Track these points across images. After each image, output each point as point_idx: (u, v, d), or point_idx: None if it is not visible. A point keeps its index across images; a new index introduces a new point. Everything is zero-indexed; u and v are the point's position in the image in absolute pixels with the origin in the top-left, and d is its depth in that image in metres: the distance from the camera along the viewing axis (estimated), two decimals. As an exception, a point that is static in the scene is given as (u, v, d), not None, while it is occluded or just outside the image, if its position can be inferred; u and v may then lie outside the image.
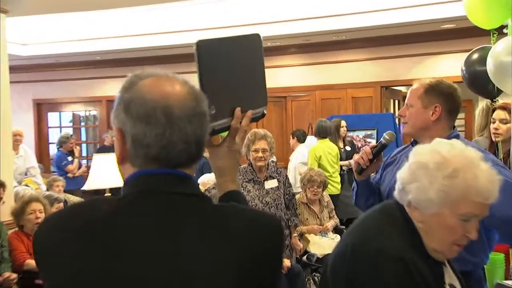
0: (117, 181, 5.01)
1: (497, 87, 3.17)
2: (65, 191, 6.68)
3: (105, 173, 4.91)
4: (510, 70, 2.94)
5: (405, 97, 2.47)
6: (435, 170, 1.41)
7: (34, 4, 5.69)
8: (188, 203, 1.08)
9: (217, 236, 1.03)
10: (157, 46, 8.31)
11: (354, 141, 6.96)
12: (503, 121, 3.43)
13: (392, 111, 8.42)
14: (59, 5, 6.00)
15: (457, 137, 2.27)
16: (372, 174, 2.58)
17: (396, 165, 2.46)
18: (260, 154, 4.05)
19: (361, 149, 6.85)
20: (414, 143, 2.36)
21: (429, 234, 1.45)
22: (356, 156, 2.50)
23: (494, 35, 3.25)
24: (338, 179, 6.46)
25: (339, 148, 6.57)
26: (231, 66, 1.37)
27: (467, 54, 7.28)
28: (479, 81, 3.31)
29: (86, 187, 5.04)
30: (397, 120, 7.15)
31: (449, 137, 2.22)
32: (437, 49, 7.73)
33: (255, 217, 1.14)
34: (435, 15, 6.72)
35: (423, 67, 7.85)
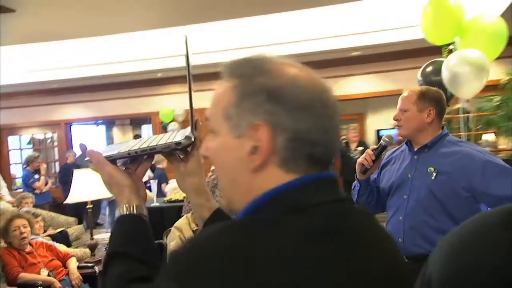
0: (97, 194, 4.47)
1: (449, 94, 3.12)
2: (33, 206, 6.01)
3: (86, 187, 4.34)
4: (463, 79, 2.91)
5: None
6: None
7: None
8: (357, 209, 0.77)
9: (389, 243, 0.76)
10: (111, 74, 7.72)
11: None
12: None
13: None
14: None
15: (447, 135, 2.19)
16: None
17: (392, 165, 2.32)
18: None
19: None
20: (408, 142, 2.22)
21: None
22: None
23: (445, 50, 3.22)
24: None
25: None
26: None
27: (371, 75, 7.69)
28: (434, 89, 3.24)
29: (69, 200, 4.42)
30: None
31: (441, 136, 2.11)
32: (347, 72, 7.86)
33: None
34: (345, 44, 6.78)
35: (337, 86, 7.91)
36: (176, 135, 0.98)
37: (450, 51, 3.24)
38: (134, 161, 0.98)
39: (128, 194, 0.93)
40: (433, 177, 2.06)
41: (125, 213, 0.92)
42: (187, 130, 0.98)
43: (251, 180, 0.70)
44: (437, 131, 2.17)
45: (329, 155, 0.72)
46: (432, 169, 2.08)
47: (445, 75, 3.00)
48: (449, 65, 2.98)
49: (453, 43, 3.20)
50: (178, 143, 0.93)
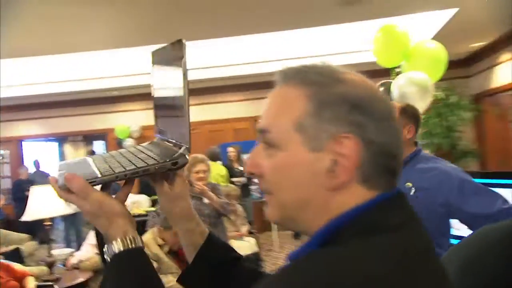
0: (55, 211, 4.09)
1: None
2: (-15, 224, 5.47)
3: (43, 204, 3.96)
4: (410, 98, 2.96)
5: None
6: None
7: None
8: None
9: None
10: (66, 91, 7.33)
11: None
12: None
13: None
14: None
15: (421, 151, 2.08)
16: None
17: None
18: (201, 175, 3.59)
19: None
20: None
21: None
22: None
23: (393, 72, 3.28)
24: (229, 193, 6.14)
25: (235, 168, 6.29)
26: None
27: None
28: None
29: (26, 217, 4.00)
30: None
31: (416, 152, 2.02)
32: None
33: None
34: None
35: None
36: (153, 152, 0.83)
37: (397, 74, 3.31)
38: (106, 185, 0.77)
39: (122, 224, 0.73)
40: (411, 193, 1.94)
41: (122, 249, 0.71)
42: (156, 143, 0.84)
43: (328, 198, 0.58)
44: (413, 147, 2.05)
45: (401, 168, 0.63)
46: (409, 184, 1.95)
47: (395, 94, 3.05)
48: (398, 86, 3.04)
49: (400, 66, 3.28)
50: (174, 163, 0.78)
